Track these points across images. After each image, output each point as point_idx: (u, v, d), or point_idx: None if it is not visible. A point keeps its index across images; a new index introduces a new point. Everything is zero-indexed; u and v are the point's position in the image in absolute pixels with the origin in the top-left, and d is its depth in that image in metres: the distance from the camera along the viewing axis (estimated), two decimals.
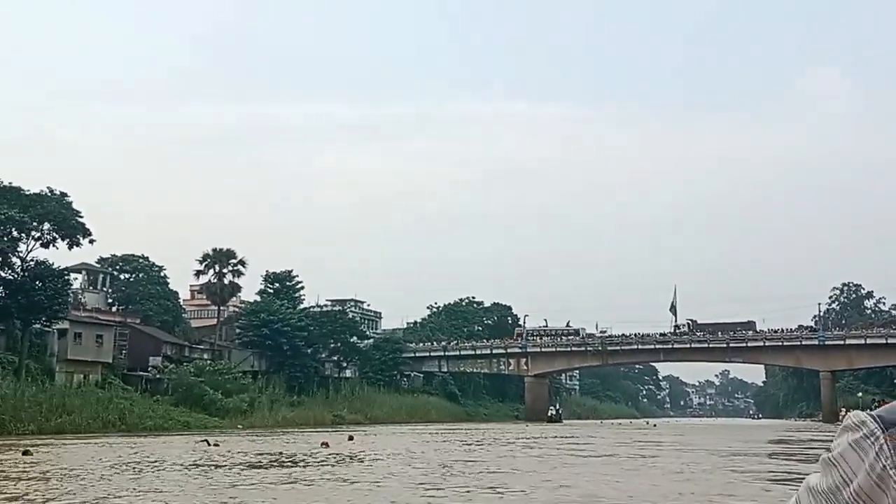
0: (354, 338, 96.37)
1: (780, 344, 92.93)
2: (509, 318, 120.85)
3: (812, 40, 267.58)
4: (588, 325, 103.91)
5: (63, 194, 61.05)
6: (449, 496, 18.04)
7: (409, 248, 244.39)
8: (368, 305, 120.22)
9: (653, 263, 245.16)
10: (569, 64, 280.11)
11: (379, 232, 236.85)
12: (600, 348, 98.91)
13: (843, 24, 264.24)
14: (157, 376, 67.21)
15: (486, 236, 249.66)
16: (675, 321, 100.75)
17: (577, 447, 38.58)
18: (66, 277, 61.55)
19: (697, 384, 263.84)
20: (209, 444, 36.31)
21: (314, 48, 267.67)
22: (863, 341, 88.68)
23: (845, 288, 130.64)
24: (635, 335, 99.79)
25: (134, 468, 24.48)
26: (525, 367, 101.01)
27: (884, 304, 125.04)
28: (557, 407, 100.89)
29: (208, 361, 73.19)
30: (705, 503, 17.21)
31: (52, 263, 59.60)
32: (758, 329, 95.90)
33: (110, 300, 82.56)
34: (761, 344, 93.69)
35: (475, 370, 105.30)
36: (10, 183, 59.71)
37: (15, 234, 58.40)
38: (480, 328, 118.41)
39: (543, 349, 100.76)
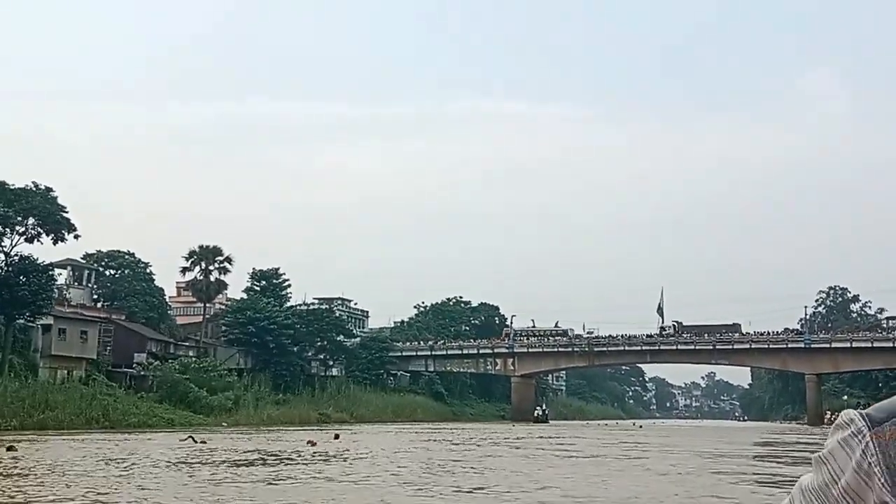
0: (341, 336, 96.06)
1: (766, 346, 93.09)
2: (496, 319, 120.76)
3: (811, 41, 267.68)
4: (577, 325, 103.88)
5: (48, 189, 60.67)
6: (434, 495, 17.90)
7: (399, 247, 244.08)
8: (356, 304, 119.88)
9: (641, 265, 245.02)
10: (568, 64, 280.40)
11: (370, 231, 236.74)
12: (587, 349, 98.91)
13: (842, 24, 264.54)
14: (142, 373, 66.82)
15: (476, 237, 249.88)
16: (662, 323, 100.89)
17: (563, 448, 38.51)
18: (51, 273, 61.17)
19: (683, 386, 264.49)
20: (195, 442, 36.14)
21: (313, 47, 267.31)
22: (848, 345, 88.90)
23: (832, 291, 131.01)
24: (622, 336, 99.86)
25: (118, 465, 24.27)
26: (512, 368, 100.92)
27: (870, 307, 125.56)
28: (544, 407, 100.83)
29: (193, 359, 72.83)
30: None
31: (37, 258, 59.26)
32: (743, 331, 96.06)
33: (95, 296, 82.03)
34: (747, 346, 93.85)
35: (462, 370, 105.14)
36: None
37: None
38: (468, 328, 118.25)
39: (530, 349, 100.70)
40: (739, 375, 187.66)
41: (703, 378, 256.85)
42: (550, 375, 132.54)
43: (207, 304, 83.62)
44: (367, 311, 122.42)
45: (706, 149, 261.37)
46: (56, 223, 60.00)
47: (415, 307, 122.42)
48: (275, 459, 28.01)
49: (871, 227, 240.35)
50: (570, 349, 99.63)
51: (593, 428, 77.70)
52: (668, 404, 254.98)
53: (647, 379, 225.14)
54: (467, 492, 18.69)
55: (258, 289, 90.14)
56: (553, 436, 53.09)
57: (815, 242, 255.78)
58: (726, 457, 32.82)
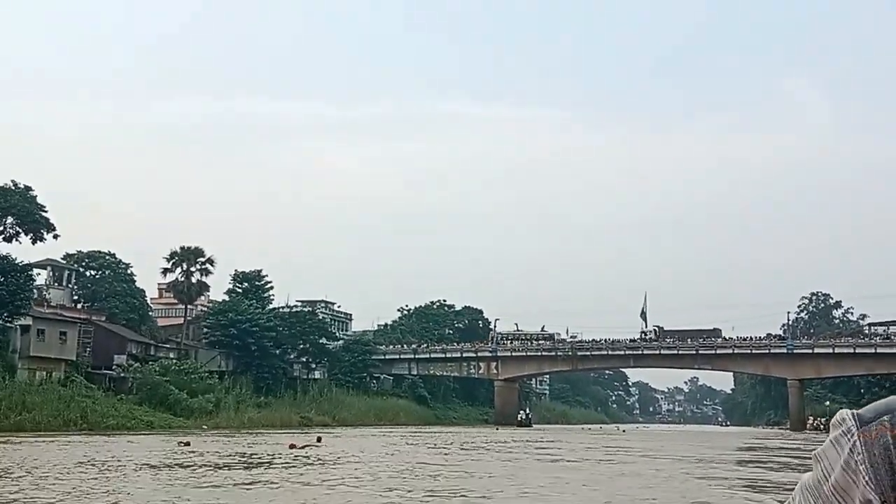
0: (324, 339, 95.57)
1: (749, 352, 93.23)
2: (480, 322, 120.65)
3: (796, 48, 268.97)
4: (563, 330, 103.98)
5: (27, 188, 60.10)
6: (411, 500, 17.61)
7: (381, 251, 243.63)
8: (339, 307, 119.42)
9: (626, 270, 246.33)
10: (561, 66, 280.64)
11: (353, 234, 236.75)
12: (570, 353, 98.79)
13: (827, 33, 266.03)
14: (122, 375, 66.21)
15: (459, 240, 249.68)
16: (646, 327, 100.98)
17: (546, 452, 38.25)
18: (29, 273, 60.56)
19: (667, 391, 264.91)
20: (182, 445, 35.75)
21: (303, 46, 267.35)
22: (831, 350, 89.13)
23: (814, 297, 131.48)
24: (605, 341, 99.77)
25: (94, 467, 23.87)
26: (495, 371, 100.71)
27: (852, 314, 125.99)
28: (528, 411, 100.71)
29: (174, 361, 72.28)
30: None
31: (15, 258, 58.64)
32: (724, 336, 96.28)
33: (76, 297, 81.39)
34: (730, 351, 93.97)
35: (445, 373, 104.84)
36: None
37: None
38: (451, 331, 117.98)
39: (514, 353, 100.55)
40: (722, 380, 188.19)
41: (686, 383, 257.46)
42: (534, 379, 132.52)
43: (189, 306, 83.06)
44: (351, 314, 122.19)
45: (692, 152, 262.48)
46: (35, 222, 59.45)
47: (398, 310, 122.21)
48: (253, 463, 27.64)
49: (853, 234, 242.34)
50: (553, 353, 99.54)
51: (577, 432, 77.54)
52: (651, 409, 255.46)
53: (630, 384, 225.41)
54: (445, 496, 18.40)
55: (240, 291, 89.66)
56: (536, 440, 52.85)
57: (798, 249, 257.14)
58: (710, 462, 32.63)
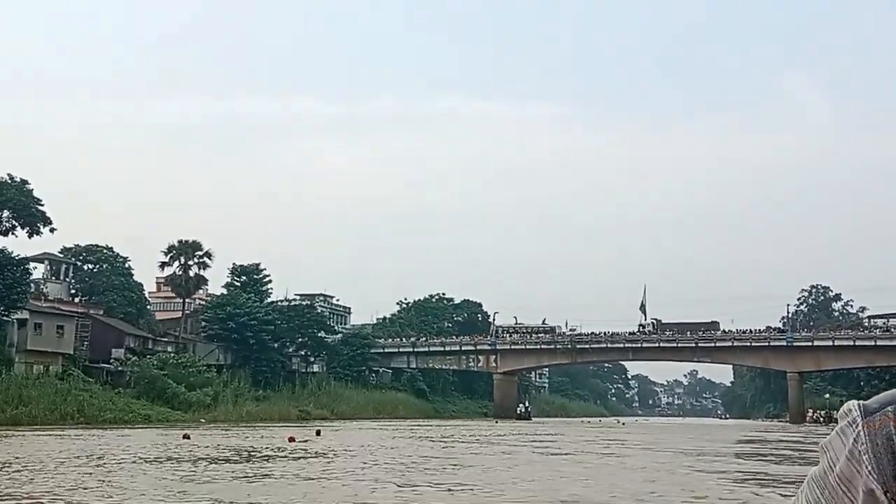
0: (322, 332, 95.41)
1: (749, 344, 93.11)
2: (479, 316, 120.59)
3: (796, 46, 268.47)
4: (560, 322, 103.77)
5: (24, 181, 59.79)
6: (410, 493, 17.41)
7: (381, 245, 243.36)
8: (338, 300, 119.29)
9: (626, 263, 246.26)
10: (561, 65, 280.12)
11: (353, 228, 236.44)
12: (570, 346, 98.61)
13: (826, 32, 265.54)
14: (120, 368, 66.02)
15: (459, 234, 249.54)
16: (644, 320, 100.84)
17: (546, 445, 38.07)
18: (26, 266, 60.31)
19: (666, 384, 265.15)
20: (184, 438, 35.59)
21: (302, 45, 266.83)
22: (830, 343, 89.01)
23: (814, 290, 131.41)
24: (604, 334, 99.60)
25: (91, 460, 23.68)
26: (494, 365, 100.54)
27: (851, 306, 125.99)
28: (527, 404, 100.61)
29: (172, 354, 72.11)
30: (674, 502, 16.69)
31: (11, 252, 58.35)
32: (722, 329, 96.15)
33: (73, 291, 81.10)
34: (730, 344, 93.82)
35: (444, 367, 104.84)
36: None
37: None
38: (450, 325, 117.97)
39: (513, 346, 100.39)
40: (721, 373, 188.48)
41: (685, 376, 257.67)
42: (533, 373, 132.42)
43: (187, 300, 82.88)
44: (350, 308, 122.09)
45: (692, 152, 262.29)
46: (31, 216, 59.21)
47: (397, 304, 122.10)
48: (254, 456, 27.47)
49: (853, 231, 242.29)
50: (552, 346, 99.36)
51: (576, 425, 77.41)
52: (650, 402, 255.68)
53: (629, 376, 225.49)
54: (444, 490, 18.20)
55: (238, 284, 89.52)
56: (535, 433, 52.68)
57: (797, 241, 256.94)
58: (709, 455, 32.46)
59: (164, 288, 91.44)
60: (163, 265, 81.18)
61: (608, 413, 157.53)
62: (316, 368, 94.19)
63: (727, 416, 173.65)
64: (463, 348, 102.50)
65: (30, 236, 60.27)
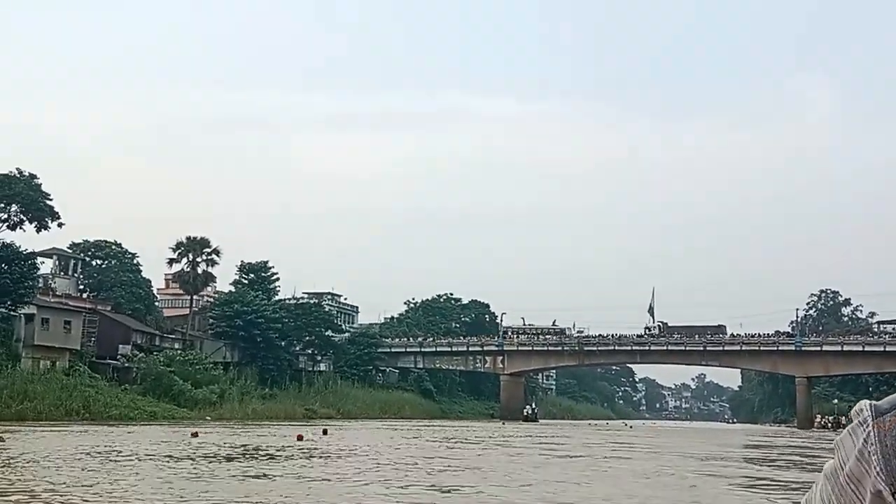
0: (330, 331, 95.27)
1: (757, 349, 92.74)
2: (487, 316, 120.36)
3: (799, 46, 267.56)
4: (567, 324, 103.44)
5: (32, 176, 59.73)
6: (415, 494, 17.26)
7: (391, 244, 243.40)
8: (345, 299, 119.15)
9: (636, 265, 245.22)
10: (564, 63, 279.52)
11: (363, 227, 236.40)
12: (577, 348, 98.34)
13: (834, 30, 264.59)
14: (126, 365, 65.87)
15: (468, 234, 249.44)
16: (652, 322, 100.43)
17: (553, 448, 37.84)
18: (33, 261, 60.25)
19: (673, 387, 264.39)
20: (192, 436, 35.50)
21: (310, 41, 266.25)
22: (839, 348, 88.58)
23: (823, 295, 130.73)
24: (612, 336, 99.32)
25: (96, 457, 23.57)
26: (501, 366, 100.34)
27: (861, 311, 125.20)
28: (534, 406, 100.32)
29: (179, 351, 72.04)
30: None
31: (19, 246, 58.37)
32: (728, 333, 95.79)
33: (81, 286, 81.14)
34: (738, 348, 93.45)
35: (451, 367, 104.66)
36: None
37: None
38: (458, 325, 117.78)
39: (520, 348, 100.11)
40: (729, 377, 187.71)
41: (693, 380, 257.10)
42: (540, 374, 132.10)
43: (195, 297, 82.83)
44: (357, 307, 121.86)
45: (696, 152, 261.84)
46: (39, 210, 59.12)
47: (405, 303, 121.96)
48: (264, 455, 27.38)
49: (863, 232, 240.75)
50: (560, 348, 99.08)
51: (583, 428, 77.15)
52: (657, 405, 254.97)
53: (637, 379, 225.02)
54: (446, 491, 18.04)
55: (246, 282, 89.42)
56: (542, 435, 52.46)
57: (807, 245, 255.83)
58: (716, 459, 32.21)
59: (172, 285, 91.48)
60: (171, 262, 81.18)
61: (615, 416, 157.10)
62: (323, 367, 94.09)
63: (734, 420, 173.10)
64: (470, 349, 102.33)
65: (38, 231, 60.27)
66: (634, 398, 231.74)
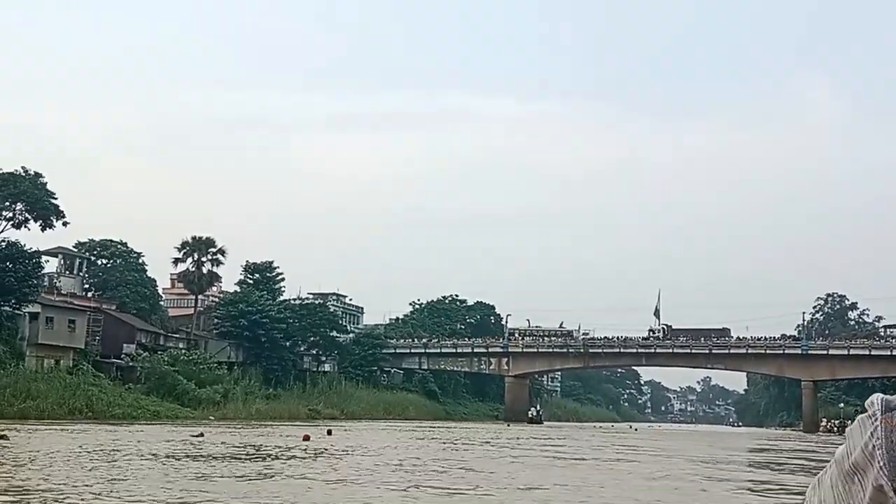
0: (334, 332, 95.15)
1: (763, 352, 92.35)
2: (492, 318, 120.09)
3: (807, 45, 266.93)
4: (573, 326, 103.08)
5: (37, 174, 59.68)
6: (418, 498, 17.11)
7: (397, 244, 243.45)
8: (350, 300, 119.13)
9: (641, 266, 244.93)
10: (566, 63, 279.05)
11: (368, 227, 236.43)
12: (582, 350, 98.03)
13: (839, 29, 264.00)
14: (131, 364, 65.84)
15: (474, 235, 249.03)
16: (658, 325, 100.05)
17: (558, 450, 37.63)
18: (37, 259, 60.15)
19: (679, 390, 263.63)
20: (196, 436, 35.35)
21: (312, 43, 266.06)
22: (846, 352, 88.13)
23: (829, 298, 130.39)
24: (617, 338, 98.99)
25: (99, 456, 23.43)
26: (506, 367, 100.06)
27: (868, 315, 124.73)
28: (538, 408, 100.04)
29: (183, 351, 71.97)
30: None
31: (24, 245, 58.30)
32: (732, 336, 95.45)
33: (87, 285, 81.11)
34: (744, 351, 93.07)
35: (456, 368, 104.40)
36: None
37: None
38: (463, 326, 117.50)
39: (525, 349, 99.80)
40: (735, 380, 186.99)
41: (698, 382, 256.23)
42: (545, 376, 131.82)
43: (200, 297, 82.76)
44: (362, 308, 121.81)
45: (697, 152, 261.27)
46: (44, 209, 59.07)
47: (410, 304, 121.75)
48: (271, 455, 27.26)
49: (870, 235, 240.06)
50: (565, 350, 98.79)
51: (588, 430, 76.91)
52: (663, 408, 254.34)
53: (642, 382, 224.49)
54: (450, 494, 17.85)
55: (251, 282, 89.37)
56: (547, 437, 52.23)
57: (812, 248, 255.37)
58: (721, 463, 31.98)
59: (177, 284, 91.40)
60: (176, 261, 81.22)
61: (620, 418, 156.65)
62: (327, 368, 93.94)
63: (740, 423, 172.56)
64: (475, 350, 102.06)
65: (43, 229, 60.25)
66: (639, 401, 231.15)
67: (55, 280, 74.98)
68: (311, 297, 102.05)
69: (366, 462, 25.78)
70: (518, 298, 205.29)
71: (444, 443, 40.34)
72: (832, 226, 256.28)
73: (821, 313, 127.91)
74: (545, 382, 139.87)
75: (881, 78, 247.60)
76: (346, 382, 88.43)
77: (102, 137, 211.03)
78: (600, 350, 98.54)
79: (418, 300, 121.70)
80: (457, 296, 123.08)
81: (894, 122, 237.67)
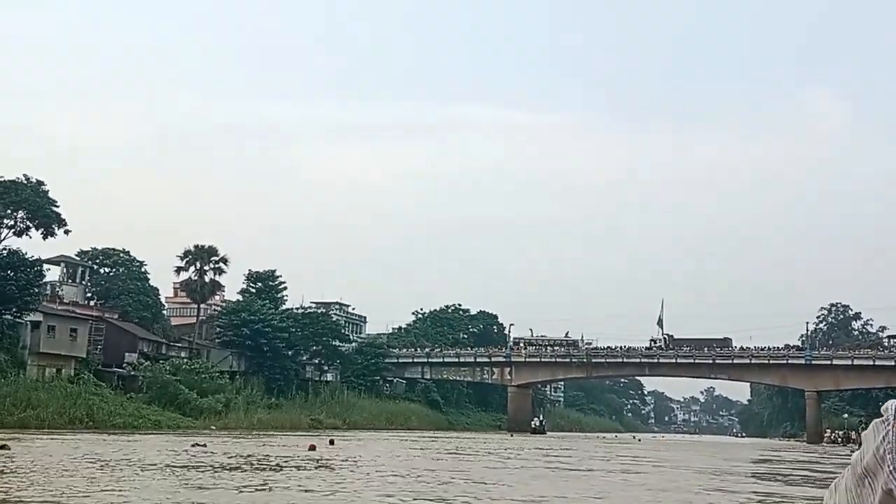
0: (337, 341, 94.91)
1: (767, 362, 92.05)
2: (495, 327, 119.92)
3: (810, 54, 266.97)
4: (576, 336, 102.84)
5: (39, 182, 59.54)
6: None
7: (399, 254, 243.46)
8: (353, 309, 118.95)
9: (644, 276, 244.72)
10: (569, 72, 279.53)
11: (371, 237, 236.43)
12: (585, 360, 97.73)
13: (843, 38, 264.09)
14: (132, 373, 65.63)
15: (477, 245, 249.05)
16: (661, 334, 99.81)
17: (561, 461, 37.38)
18: (39, 268, 59.99)
19: (682, 400, 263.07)
20: (198, 446, 35.13)
21: (316, 51, 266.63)
22: (850, 362, 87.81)
23: (833, 308, 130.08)
24: (620, 348, 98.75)
25: (101, 466, 23.24)
26: (509, 377, 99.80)
27: (871, 325, 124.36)
28: (541, 418, 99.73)
29: (185, 360, 71.75)
30: None
31: (26, 253, 58.16)
32: (734, 346, 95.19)
33: (89, 294, 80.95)
34: (747, 361, 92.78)
35: (458, 378, 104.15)
36: None
37: None
38: (466, 336, 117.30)
39: (528, 359, 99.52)
40: (739, 391, 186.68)
41: (702, 393, 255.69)
42: (548, 386, 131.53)
43: (203, 306, 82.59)
44: (365, 317, 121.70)
45: (704, 163, 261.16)
46: (46, 217, 58.93)
47: (413, 314, 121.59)
48: (275, 465, 27.04)
49: (874, 244, 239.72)
50: (568, 360, 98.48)
51: (592, 440, 76.59)
52: (666, 418, 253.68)
53: (645, 392, 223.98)
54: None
55: (254, 291, 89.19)
56: (551, 448, 51.95)
57: (816, 258, 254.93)
58: (727, 474, 31.73)
59: (180, 293, 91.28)
60: (178, 270, 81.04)
61: (623, 429, 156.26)
62: (329, 377, 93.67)
63: (743, 434, 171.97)
64: (478, 360, 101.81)
65: (44, 238, 60.10)
66: (643, 411, 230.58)
67: (57, 288, 74.87)
68: (313, 306, 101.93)
69: (369, 471, 25.58)
70: (521, 308, 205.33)
71: (447, 453, 40.10)
72: (836, 236, 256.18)
73: (824, 323, 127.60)
74: (548, 392, 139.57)
75: (887, 89, 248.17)
76: (348, 392, 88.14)
77: (105, 146, 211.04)
78: (603, 360, 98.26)
79: (421, 309, 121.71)
80: (460, 305, 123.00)
81: None
